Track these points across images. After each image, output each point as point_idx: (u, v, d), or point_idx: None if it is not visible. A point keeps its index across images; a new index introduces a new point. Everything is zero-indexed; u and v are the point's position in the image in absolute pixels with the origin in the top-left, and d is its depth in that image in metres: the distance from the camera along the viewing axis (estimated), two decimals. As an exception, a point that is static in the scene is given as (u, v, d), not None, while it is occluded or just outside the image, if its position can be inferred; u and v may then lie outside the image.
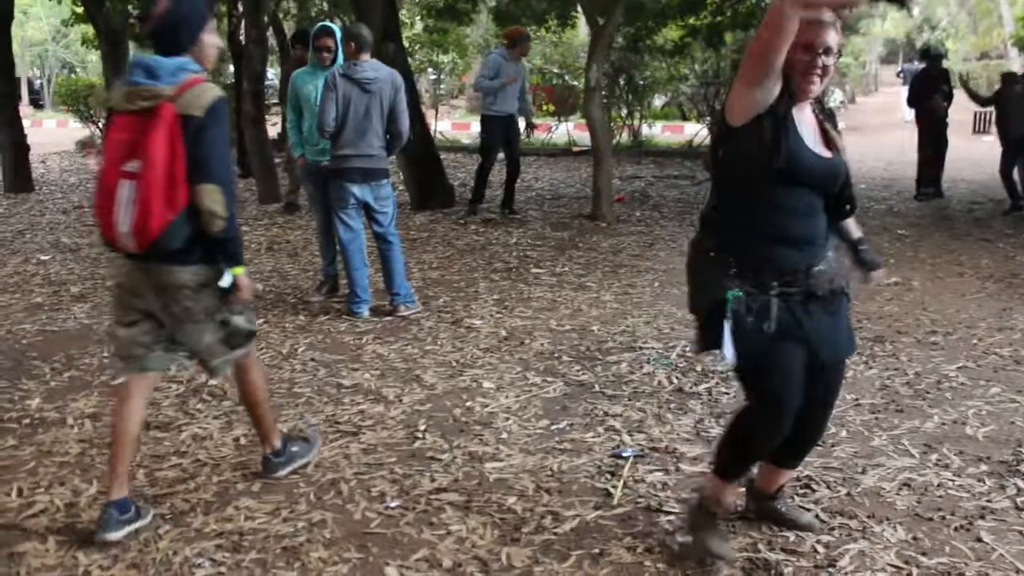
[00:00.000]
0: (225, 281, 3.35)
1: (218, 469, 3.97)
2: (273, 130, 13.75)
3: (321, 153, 6.66)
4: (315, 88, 6.72)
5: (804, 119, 2.97)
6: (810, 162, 2.93)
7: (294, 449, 3.95)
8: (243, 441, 4.25)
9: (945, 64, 13.50)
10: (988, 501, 3.65)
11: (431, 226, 9.89)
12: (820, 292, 3.02)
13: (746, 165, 2.94)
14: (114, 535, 3.31)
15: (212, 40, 3.38)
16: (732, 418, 3.22)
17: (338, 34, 6.81)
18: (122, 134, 3.23)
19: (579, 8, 14.39)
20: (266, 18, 15.42)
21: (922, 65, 13.49)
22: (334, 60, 6.74)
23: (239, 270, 3.37)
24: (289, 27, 18.35)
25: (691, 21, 14.29)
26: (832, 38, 2.88)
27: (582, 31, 19.38)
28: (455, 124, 24.20)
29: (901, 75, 39.14)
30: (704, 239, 3.12)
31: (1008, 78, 12.12)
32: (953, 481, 3.83)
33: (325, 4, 17.96)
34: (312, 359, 5.48)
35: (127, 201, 3.18)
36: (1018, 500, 3.66)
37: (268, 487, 3.79)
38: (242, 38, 15.40)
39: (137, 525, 3.39)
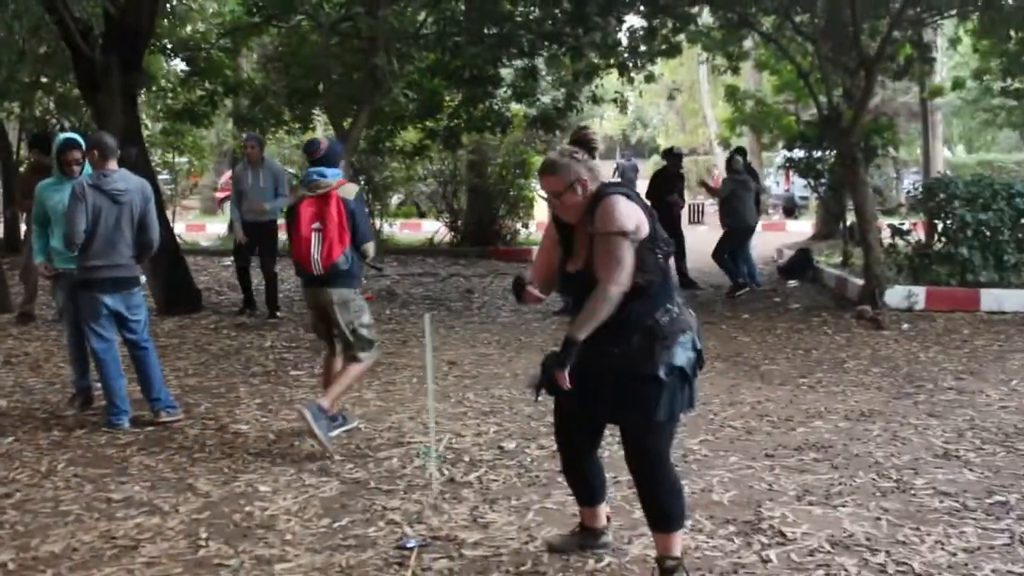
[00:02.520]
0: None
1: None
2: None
3: (72, 261, 6.49)
4: (61, 200, 6.53)
5: None
6: None
7: (333, 422, 5.80)
8: (11, 567, 4.08)
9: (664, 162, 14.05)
10: (739, 558, 4.09)
11: (181, 332, 9.70)
12: None
13: None
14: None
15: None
16: (652, 473, 3.75)
17: (83, 144, 6.69)
18: (311, 208, 5.74)
19: (319, 111, 14.70)
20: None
21: (631, 162, 14.23)
22: (81, 170, 6.62)
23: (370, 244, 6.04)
24: (11, 127, 17.59)
25: (429, 124, 14.89)
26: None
27: (319, 134, 19.64)
28: (189, 226, 23.69)
29: (617, 170, 41.89)
30: None
31: (732, 162, 12.77)
32: (707, 543, 4.25)
33: (52, 104, 17.32)
34: (75, 475, 5.30)
35: (317, 243, 5.69)
36: (763, 554, 4.12)
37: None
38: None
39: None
